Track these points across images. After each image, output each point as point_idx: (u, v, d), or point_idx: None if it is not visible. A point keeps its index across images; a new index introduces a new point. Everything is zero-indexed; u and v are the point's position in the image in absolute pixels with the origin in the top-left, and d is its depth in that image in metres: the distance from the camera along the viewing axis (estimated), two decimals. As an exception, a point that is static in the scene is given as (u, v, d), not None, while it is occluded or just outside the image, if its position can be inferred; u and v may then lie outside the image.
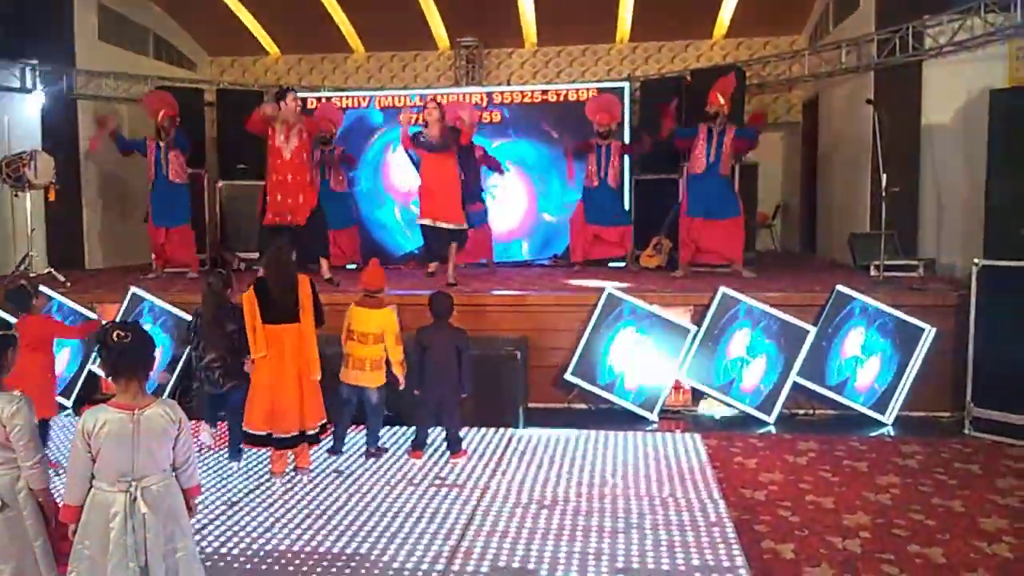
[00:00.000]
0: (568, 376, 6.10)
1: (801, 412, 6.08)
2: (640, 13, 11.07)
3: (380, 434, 5.21)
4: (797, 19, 11.27)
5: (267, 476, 4.69)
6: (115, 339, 2.51)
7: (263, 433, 4.60)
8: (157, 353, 2.79)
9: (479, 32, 11.59)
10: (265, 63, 12.62)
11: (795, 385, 5.97)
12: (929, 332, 5.89)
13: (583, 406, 6.23)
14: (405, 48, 12.20)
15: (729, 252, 7.80)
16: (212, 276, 5.08)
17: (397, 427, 5.57)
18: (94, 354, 6.29)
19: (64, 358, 6.60)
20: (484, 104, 9.89)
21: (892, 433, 5.69)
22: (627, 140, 9.40)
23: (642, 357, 6.07)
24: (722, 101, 7.66)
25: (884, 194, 6.91)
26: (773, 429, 5.77)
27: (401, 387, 5.00)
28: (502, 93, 10.13)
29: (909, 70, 8.11)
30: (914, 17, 7.91)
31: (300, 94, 10.05)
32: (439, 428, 5.15)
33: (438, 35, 11.80)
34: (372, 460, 4.98)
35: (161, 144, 8.33)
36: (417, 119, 8.62)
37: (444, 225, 7.25)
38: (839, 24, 9.87)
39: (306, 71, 12.47)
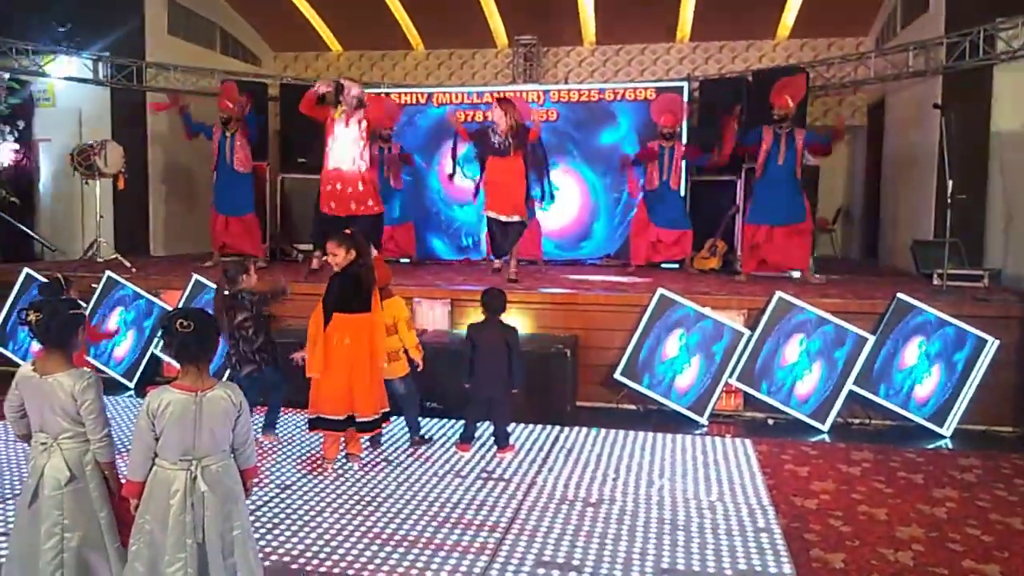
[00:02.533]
0: (618, 376, 6.09)
1: (856, 421, 5.96)
2: (702, 12, 10.96)
3: (421, 423, 5.28)
4: (864, 20, 11.03)
5: (319, 462, 4.78)
6: (178, 328, 2.60)
7: (341, 417, 4.67)
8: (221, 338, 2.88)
9: (538, 30, 11.61)
10: (327, 59, 12.84)
11: (851, 394, 5.86)
12: (992, 344, 5.72)
13: (632, 407, 6.21)
14: (464, 46, 12.29)
15: (794, 261, 7.61)
16: (228, 266, 5.17)
17: (445, 420, 5.63)
18: (156, 338, 6.50)
19: (127, 342, 6.83)
20: (541, 102, 9.89)
21: (950, 446, 5.54)
22: (685, 139, 9.32)
23: (693, 360, 6.02)
24: (791, 104, 7.50)
25: (950, 201, 6.72)
26: (827, 438, 5.68)
27: (419, 368, 5.07)
28: (559, 91, 10.13)
29: (979, 74, 7.88)
30: (986, 19, 7.68)
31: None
32: (487, 423, 5.19)
33: (497, 33, 11.85)
34: (422, 451, 5.04)
35: (227, 133, 8.52)
36: (467, 117, 8.70)
37: (507, 219, 7.33)
38: (907, 26, 9.63)
39: (366, 67, 12.65)
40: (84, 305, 2.97)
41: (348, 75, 12.27)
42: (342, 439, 4.80)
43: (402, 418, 5.30)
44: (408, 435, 5.27)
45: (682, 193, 8.72)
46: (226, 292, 5.01)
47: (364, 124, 7.27)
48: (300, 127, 10.08)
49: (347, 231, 4.86)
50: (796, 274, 7.65)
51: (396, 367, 5.04)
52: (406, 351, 5.06)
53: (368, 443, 5.07)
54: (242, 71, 11.40)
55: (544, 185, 7.83)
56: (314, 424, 4.75)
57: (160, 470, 2.60)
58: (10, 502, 4.05)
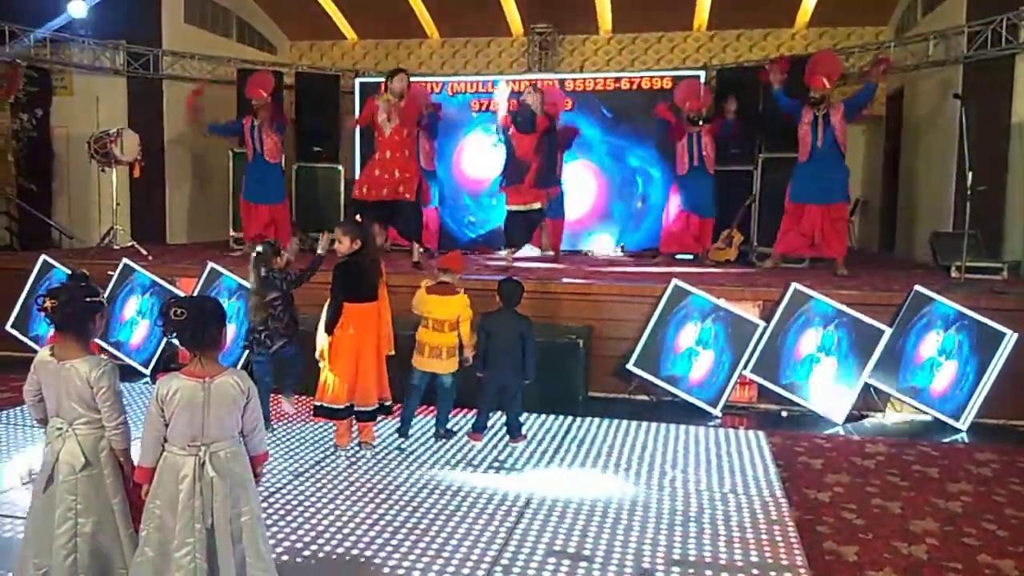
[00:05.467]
0: (631, 366, 6.07)
1: (871, 414, 5.92)
2: (719, 0, 10.86)
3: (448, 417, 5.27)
4: (883, 8, 10.88)
5: (332, 449, 4.80)
6: (173, 316, 2.61)
7: (343, 406, 4.70)
8: (231, 327, 2.89)
9: (554, 18, 11.55)
10: (342, 47, 12.83)
11: (866, 386, 5.82)
12: (1010, 337, 5.65)
13: (645, 397, 6.19)
14: (479, 34, 12.24)
15: (831, 249, 7.51)
16: (261, 246, 5.21)
17: (458, 410, 5.63)
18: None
19: (143, 330, 6.88)
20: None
21: (966, 440, 5.49)
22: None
23: (707, 351, 5.99)
24: (828, 85, 7.40)
25: (969, 193, 6.65)
26: (841, 431, 5.64)
27: (467, 365, 5.05)
28: (575, 80, 10.08)
29: (1000, 64, 7.78)
30: (1008, 8, 7.56)
31: (375, 79, 10.28)
32: (500, 412, 5.18)
33: (512, 21, 11.80)
34: (433, 440, 5.05)
35: (256, 123, 8.51)
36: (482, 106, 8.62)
37: (523, 208, 7.36)
38: (927, 15, 9.51)
39: (382, 56, 12.64)
40: (102, 292, 2.98)
41: (363, 64, 12.29)
42: (354, 427, 4.82)
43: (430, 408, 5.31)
44: (426, 425, 5.26)
45: (714, 178, 8.59)
46: (262, 272, 5.05)
47: (407, 115, 7.29)
48: (315, 116, 10.15)
49: (358, 219, 4.87)
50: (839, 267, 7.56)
51: (450, 363, 5.01)
52: (460, 348, 5.03)
53: (397, 433, 5.10)
54: (258, 60, 11.42)
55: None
56: (317, 412, 4.77)
57: (169, 455, 2.61)
58: (26, 486, 4.09)
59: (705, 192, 8.48)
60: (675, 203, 8.58)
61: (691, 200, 8.47)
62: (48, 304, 2.80)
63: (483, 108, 10.01)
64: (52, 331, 2.89)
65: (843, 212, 7.61)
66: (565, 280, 6.76)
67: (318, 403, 4.76)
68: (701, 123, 8.35)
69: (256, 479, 2.77)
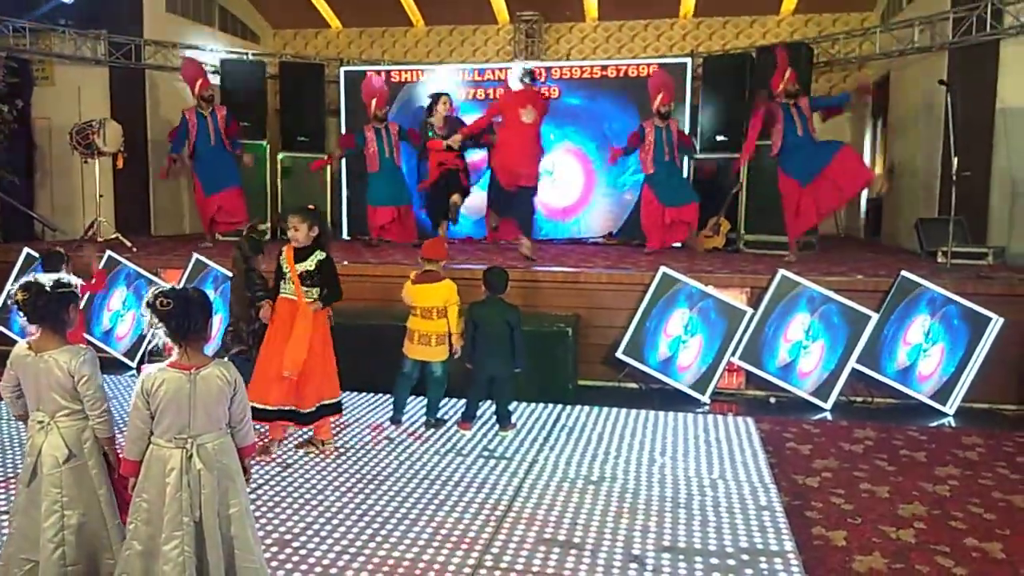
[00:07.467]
0: (619, 354, 6.07)
1: (859, 399, 5.95)
2: (705, -12, 10.86)
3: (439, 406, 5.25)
4: (869, -5, 10.91)
5: (320, 443, 4.76)
6: (159, 306, 2.58)
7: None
8: (216, 319, 2.86)
9: (540, 6, 11.49)
10: (327, 36, 12.73)
11: (854, 372, 5.84)
12: (996, 322, 5.69)
13: (634, 385, 6.20)
14: (465, 22, 12.17)
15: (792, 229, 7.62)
16: (242, 245, 5.04)
17: (448, 399, 5.61)
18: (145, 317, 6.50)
19: (128, 322, 6.82)
20: (543, 79, 9.78)
21: (953, 424, 5.54)
22: (688, 117, 9.27)
23: (696, 338, 6.00)
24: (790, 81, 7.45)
25: (955, 178, 6.67)
26: (829, 416, 5.66)
27: (456, 356, 5.04)
28: (560, 68, 10.04)
29: (985, 50, 7.80)
30: (994, -7, 7.59)
31: (360, 68, 10.21)
32: (489, 401, 5.18)
33: (498, 9, 11.74)
34: (422, 429, 5.04)
35: (205, 114, 8.44)
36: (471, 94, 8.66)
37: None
38: (913, 1, 9.52)
39: (366, 44, 12.55)
40: (74, 282, 2.92)
41: (348, 53, 12.19)
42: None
43: (422, 398, 5.28)
44: (416, 414, 5.26)
45: (681, 167, 8.53)
46: (246, 269, 4.92)
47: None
48: (299, 105, 10.08)
49: (311, 207, 4.69)
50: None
51: (439, 351, 5.00)
52: (449, 336, 5.01)
53: (390, 421, 5.11)
54: (241, 49, 11.31)
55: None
56: (328, 412, 4.63)
57: (156, 448, 2.58)
58: (12, 482, 4.06)
59: (678, 183, 8.25)
60: (652, 201, 8.18)
61: (667, 194, 8.11)
62: (19, 297, 2.76)
63: (471, 96, 9.96)
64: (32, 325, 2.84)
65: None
66: (554, 268, 6.74)
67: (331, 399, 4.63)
68: (671, 118, 8.21)
69: (244, 471, 2.74)
